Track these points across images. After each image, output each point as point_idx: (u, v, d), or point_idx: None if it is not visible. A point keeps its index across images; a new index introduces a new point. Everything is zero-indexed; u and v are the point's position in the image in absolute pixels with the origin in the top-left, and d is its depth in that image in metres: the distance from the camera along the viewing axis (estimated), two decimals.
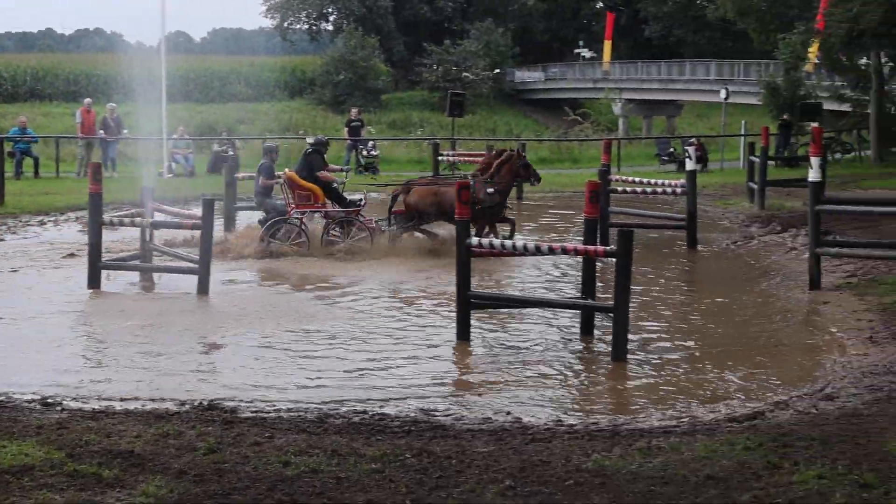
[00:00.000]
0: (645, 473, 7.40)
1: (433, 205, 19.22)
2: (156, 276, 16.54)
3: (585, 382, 11.30)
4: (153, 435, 8.29)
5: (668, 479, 7.25)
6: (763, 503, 6.76)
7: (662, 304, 15.57)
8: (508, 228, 19.52)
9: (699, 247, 20.45)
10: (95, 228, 15.73)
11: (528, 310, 14.22)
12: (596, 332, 13.09)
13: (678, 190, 21.29)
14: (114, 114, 34.90)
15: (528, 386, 10.84)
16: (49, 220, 23.20)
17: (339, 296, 15.75)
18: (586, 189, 13.37)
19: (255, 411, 9.46)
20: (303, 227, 18.89)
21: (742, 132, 40.93)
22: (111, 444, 8.00)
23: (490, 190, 19.01)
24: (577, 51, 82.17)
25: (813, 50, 42.19)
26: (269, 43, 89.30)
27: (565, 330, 13.47)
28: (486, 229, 19.19)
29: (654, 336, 13.32)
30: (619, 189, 21.17)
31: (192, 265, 15.55)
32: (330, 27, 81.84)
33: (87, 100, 37.29)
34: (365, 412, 9.49)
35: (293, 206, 19.11)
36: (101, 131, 34.25)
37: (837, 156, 38.68)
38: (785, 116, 40.03)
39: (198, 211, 15.99)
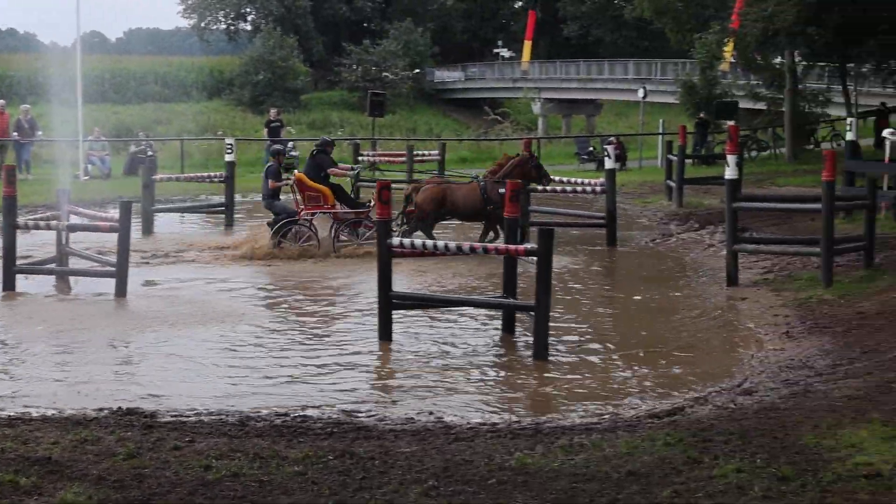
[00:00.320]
0: (567, 471, 7.43)
1: (442, 203, 19.37)
2: (73, 279, 16.31)
3: (508, 381, 11.32)
4: (71, 441, 8.16)
5: (590, 476, 7.30)
6: (683, 498, 6.82)
7: (583, 303, 15.67)
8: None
9: (619, 245, 20.60)
10: (9, 232, 15.51)
11: (452, 309, 14.24)
12: (518, 330, 13.14)
13: (598, 188, 21.44)
14: (28, 115, 34.31)
15: (451, 385, 10.85)
16: None
17: (267, 296, 15.66)
18: (507, 188, 13.43)
19: (175, 415, 9.35)
20: (312, 228, 19.09)
21: (660, 131, 41.26)
22: (28, 451, 7.86)
23: (501, 190, 19.10)
24: (496, 50, 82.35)
25: (728, 49, 42.67)
26: (187, 43, 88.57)
27: (488, 329, 13.51)
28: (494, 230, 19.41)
29: (575, 334, 13.40)
30: (539, 188, 21.28)
31: (109, 268, 15.36)
32: (248, 27, 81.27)
33: (0, 101, 36.67)
34: (287, 414, 9.43)
35: (303, 207, 19.28)
36: (15, 133, 33.62)
37: (753, 153, 39.12)
38: (701, 115, 40.42)
39: (115, 213, 15.80)
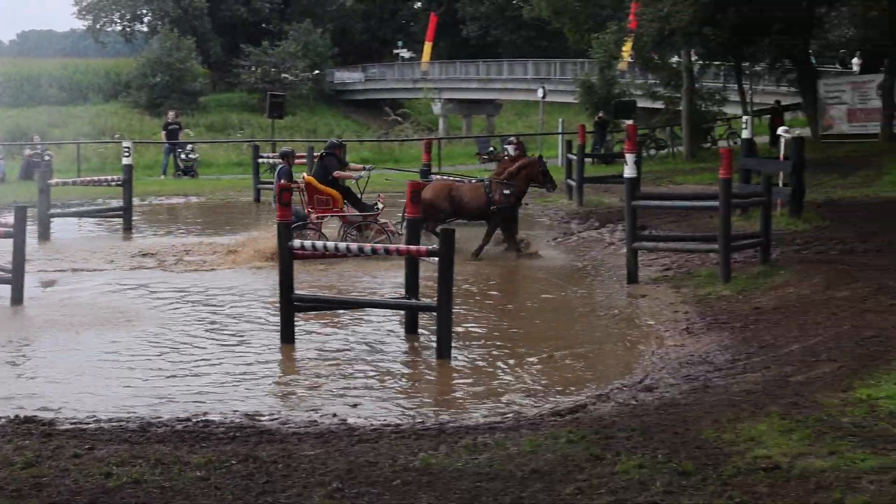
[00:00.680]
0: (471, 470, 7.44)
1: (448, 203, 19.17)
2: None
3: (411, 382, 11.32)
4: None
5: (493, 475, 7.32)
6: (586, 494, 6.87)
7: (486, 303, 15.72)
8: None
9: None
10: None
11: (355, 311, 14.22)
12: (421, 331, 13.14)
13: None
14: None
15: (354, 387, 10.81)
16: None
17: (172, 299, 15.43)
18: (408, 189, 13.44)
19: (75, 423, 9.19)
20: (322, 231, 18.94)
21: (559, 130, 41.57)
22: None
23: (506, 192, 19.01)
24: (396, 51, 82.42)
25: (626, 49, 43.23)
26: (82, 45, 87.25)
27: (391, 330, 13.50)
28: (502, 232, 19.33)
29: (477, 333, 13.44)
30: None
31: (3, 274, 15.06)
32: (145, 28, 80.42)
33: None
34: (189, 419, 9.32)
35: (310, 210, 19.14)
36: None
37: (652, 152, 39.58)
38: (600, 114, 40.85)
39: (9, 218, 15.49)
